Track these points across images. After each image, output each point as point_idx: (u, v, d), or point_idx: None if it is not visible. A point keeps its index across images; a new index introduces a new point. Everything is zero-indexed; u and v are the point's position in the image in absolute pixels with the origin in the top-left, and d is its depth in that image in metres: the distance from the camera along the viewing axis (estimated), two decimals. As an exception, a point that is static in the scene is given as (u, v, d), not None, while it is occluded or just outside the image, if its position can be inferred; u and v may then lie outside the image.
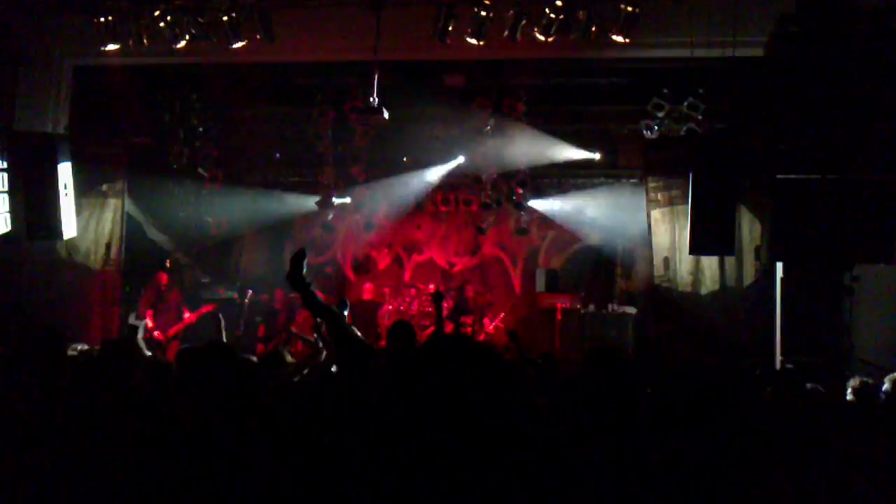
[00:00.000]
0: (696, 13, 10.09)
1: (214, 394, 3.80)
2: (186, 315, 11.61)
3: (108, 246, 12.06)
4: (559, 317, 13.87)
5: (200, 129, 13.33)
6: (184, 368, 4.56)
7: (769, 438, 3.42)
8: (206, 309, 11.57)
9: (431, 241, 15.05)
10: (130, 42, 9.99)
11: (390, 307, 14.38)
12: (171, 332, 11.40)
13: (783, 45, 9.81)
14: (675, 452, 3.32)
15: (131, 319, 11.42)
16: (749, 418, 4.78)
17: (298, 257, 6.93)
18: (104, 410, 2.99)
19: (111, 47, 10.06)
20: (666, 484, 3.18)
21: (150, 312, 11.51)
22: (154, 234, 14.10)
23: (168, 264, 14.78)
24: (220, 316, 8.45)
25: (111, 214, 12.14)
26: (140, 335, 8.14)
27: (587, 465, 3.41)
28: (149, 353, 5.96)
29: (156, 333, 11.20)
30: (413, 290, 14.68)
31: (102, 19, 9.92)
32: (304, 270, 6.65)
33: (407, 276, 15.12)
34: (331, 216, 14.18)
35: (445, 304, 12.57)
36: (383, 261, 15.30)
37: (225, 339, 8.26)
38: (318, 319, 6.94)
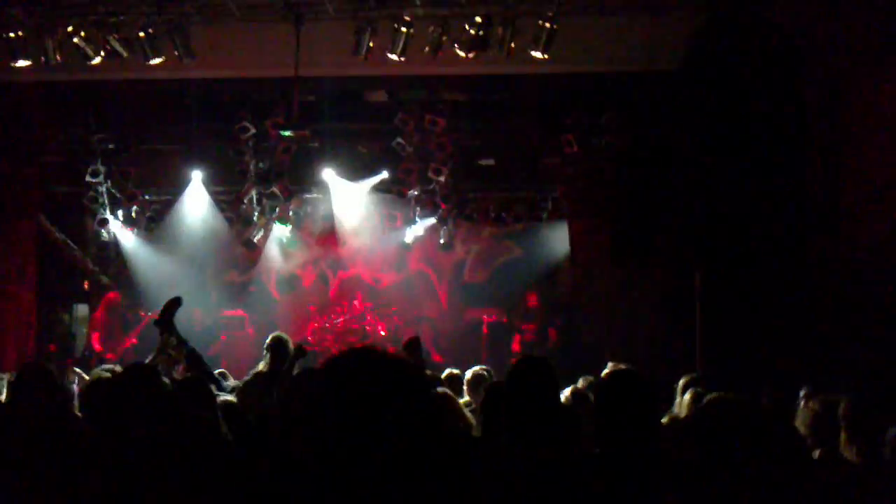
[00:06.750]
0: (612, 28, 10.29)
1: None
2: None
3: (23, 267, 11.73)
4: (486, 330, 13.95)
5: (117, 147, 13.04)
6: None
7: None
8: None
9: (357, 258, 14.95)
10: (42, 58, 9.75)
11: (316, 325, 14.21)
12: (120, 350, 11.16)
13: (698, 59, 10.03)
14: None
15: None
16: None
17: (172, 305, 7.14)
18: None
19: (21, 63, 9.79)
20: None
21: (96, 335, 11.21)
22: (72, 254, 13.74)
23: (87, 286, 14.40)
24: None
25: (25, 235, 11.82)
26: None
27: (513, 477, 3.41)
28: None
29: (108, 356, 10.91)
30: (339, 308, 14.58)
31: (12, 34, 9.64)
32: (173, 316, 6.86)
33: (332, 293, 14.99)
34: (254, 234, 13.98)
35: None
36: (308, 278, 15.14)
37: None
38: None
